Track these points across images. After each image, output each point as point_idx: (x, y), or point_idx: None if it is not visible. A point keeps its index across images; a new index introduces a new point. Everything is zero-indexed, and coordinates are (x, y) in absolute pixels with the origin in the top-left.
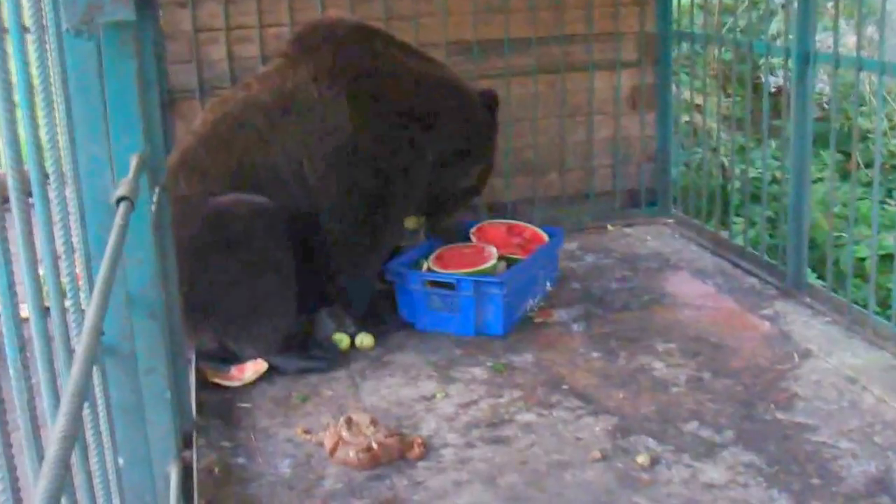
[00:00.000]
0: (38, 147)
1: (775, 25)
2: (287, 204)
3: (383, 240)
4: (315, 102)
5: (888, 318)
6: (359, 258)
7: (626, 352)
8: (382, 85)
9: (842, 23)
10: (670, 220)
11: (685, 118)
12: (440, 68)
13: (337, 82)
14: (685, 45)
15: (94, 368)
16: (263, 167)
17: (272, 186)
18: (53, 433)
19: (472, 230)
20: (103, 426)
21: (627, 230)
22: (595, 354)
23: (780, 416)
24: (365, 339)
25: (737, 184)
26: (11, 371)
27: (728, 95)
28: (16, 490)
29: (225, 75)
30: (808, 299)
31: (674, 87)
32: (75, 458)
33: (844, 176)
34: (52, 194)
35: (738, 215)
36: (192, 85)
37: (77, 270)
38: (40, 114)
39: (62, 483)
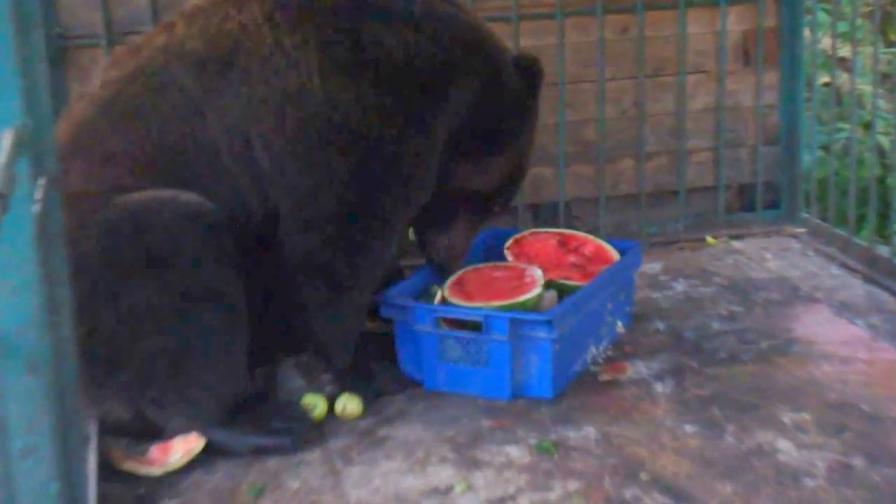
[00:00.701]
0: None
1: None
2: (232, 203)
3: (372, 260)
4: (270, 53)
5: None
6: (336, 287)
7: (736, 425)
8: (369, 29)
9: None
10: (801, 230)
11: (824, 78)
12: (456, 8)
13: (303, 24)
14: None
15: None
16: (195, 148)
17: (208, 177)
18: None
19: (508, 244)
20: None
21: (736, 244)
22: (689, 429)
23: None
24: (349, 404)
25: None
26: None
27: (891, 44)
28: None
29: (143, 13)
30: None
31: (807, 33)
32: None
33: None
34: None
35: None
36: (96, 27)
37: None
38: None
39: None
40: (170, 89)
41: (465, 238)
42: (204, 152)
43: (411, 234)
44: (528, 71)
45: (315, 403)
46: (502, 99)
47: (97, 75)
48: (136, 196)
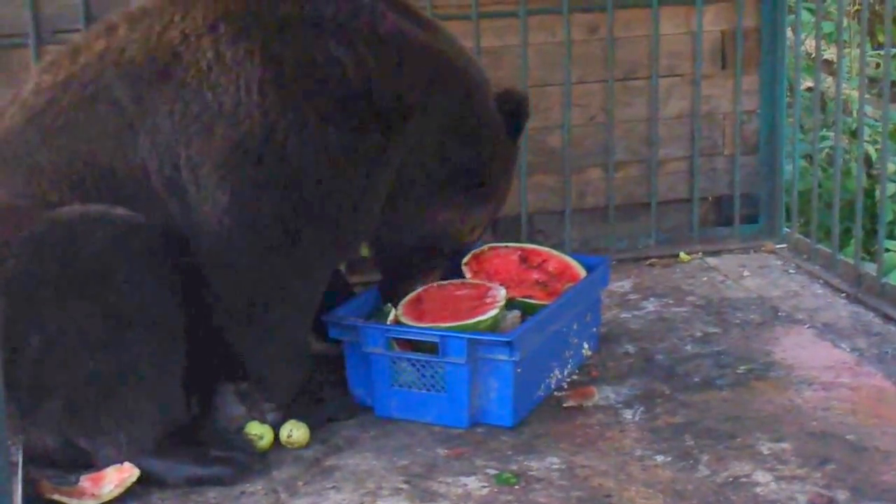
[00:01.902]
0: None
1: None
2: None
3: (298, 303)
4: (209, 67)
5: None
6: (261, 328)
7: (711, 455)
8: (324, 45)
9: None
10: (781, 246)
11: (807, 83)
12: (434, 34)
13: (248, 36)
14: None
15: None
16: (124, 169)
17: (138, 201)
18: None
19: (466, 259)
20: None
21: (712, 261)
22: (660, 459)
23: None
24: (295, 432)
25: (891, 188)
26: None
27: (878, 46)
28: None
29: (76, 11)
30: None
31: (789, 33)
32: None
33: None
34: None
35: (892, 238)
36: (23, 26)
37: None
38: None
39: None
40: (102, 101)
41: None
42: (133, 174)
43: (365, 250)
44: (513, 111)
45: (261, 434)
46: (479, 141)
47: (31, 78)
48: (66, 210)
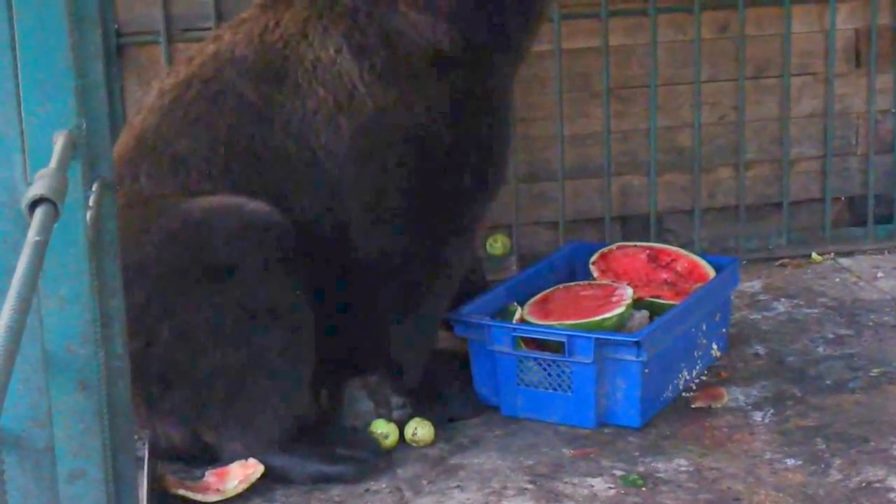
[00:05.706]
0: None
1: None
2: (306, 209)
3: (448, 260)
4: (314, 66)
5: None
6: (412, 291)
7: (843, 459)
8: (398, 21)
9: None
10: None
11: None
12: None
13: (333, 35)
14: None
15: None
16: (265, 153)
17: (285, 179)
18: None
19: (594, 259)
20: None
21: (844, 262)
22: (791, 462)
23: None
24: (420, 430)
25: None
26: None
27: None
28: None
29: (206, 9)
30: None
31: None
32: None
33: None
34: None
35: None
36: (155, 24)
37: None
38: None
39: None
40: (228, 96)
41: None
42: (277, 157)
43: (489, 247)
44: None
45: (387, 433)
46: None
47: (155, 85)
48: (201, 202)
